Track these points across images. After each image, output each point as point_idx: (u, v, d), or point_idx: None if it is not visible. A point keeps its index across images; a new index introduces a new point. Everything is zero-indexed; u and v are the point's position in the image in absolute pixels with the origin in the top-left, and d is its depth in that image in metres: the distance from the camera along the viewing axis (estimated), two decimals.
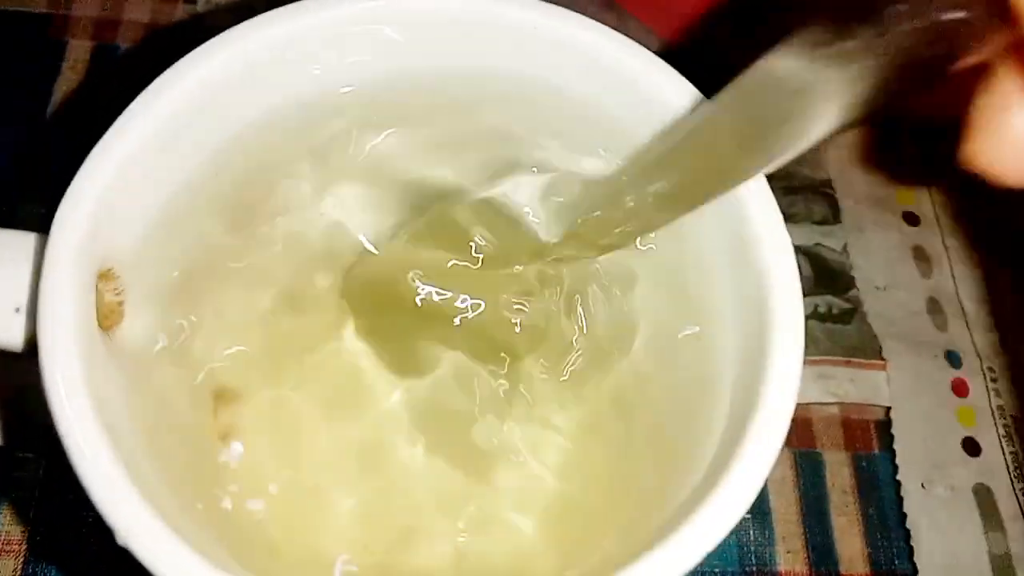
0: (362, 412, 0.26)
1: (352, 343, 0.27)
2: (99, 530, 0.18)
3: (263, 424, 0.25)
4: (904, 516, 0.35)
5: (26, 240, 0.21)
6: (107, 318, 0.22)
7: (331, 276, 0.27)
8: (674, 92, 0.24)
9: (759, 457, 0.19)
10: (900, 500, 0.35)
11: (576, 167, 0.26)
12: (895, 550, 0.35)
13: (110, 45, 0.42)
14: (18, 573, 0.31)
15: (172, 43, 0.31)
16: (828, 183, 0.42)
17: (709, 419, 0.22)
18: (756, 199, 0.22)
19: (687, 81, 0.24)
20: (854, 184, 0.42)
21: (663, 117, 0.24)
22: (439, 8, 0.25)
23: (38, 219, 0.21)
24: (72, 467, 0.18)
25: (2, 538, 0.31)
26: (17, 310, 0.20)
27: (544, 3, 0.24)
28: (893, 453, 0.36)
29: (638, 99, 0.24)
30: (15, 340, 0.20)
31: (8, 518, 0.32)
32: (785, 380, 0.20)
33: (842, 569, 0.35)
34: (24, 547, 0.31)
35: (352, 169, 0.27)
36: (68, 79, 0.40)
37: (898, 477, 0.36)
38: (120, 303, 0.23)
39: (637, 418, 0.25)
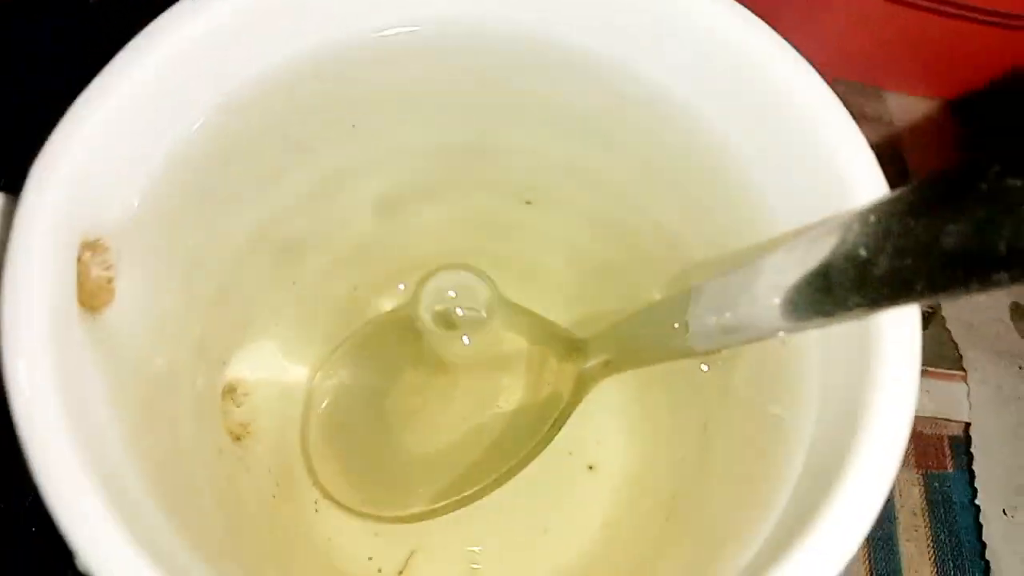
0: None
1: None
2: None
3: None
4: (983, 545, 0.31)
5: None
6: (94, 296, 0.19)
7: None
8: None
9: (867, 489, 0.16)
10: (979, 527, 0.32)
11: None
12: None
13: None
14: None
15: None
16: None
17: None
18: None
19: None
20: None
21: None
22: None
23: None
24: (32, 478, 0.15)
25: None
26: None
27: None
28: (971, 474, 0.33)
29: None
30: None
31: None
32: (897, 400, 0.16)
33: None
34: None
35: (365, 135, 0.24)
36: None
37: (977, 501, 0.32)
38: (110, 279, 0.19)
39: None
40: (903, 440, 0.16)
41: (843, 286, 0.15)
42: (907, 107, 0.39)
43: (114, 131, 0.18)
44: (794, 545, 0.16)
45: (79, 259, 0.18)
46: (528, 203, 0.26)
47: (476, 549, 0.26)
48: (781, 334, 0.17)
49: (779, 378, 0.20)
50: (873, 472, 0.16)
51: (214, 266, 0.23)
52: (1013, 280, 0.13)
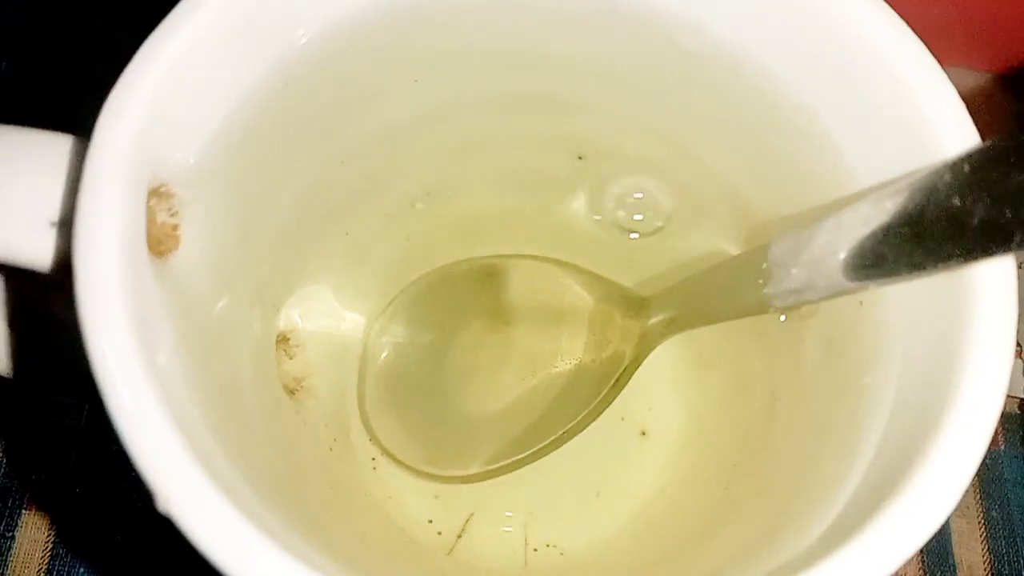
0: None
1: None
2: (140, 491, 0.15)
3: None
4: None
5: (62, 143, 0.17)
6: (160, 242, 0.19)
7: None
8: None
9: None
10: None
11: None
12: (1022, 558, 0.31)
13: None
14: (53, 533, 0.28)
15: None
16: None
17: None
18: None
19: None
20: None
21: None
22: None
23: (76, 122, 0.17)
24: (109, 416, 0.15)
25: (40, 489, 0.29)
26: (52, 224, 0.17)
27: None
28: None
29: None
30: (45, 259, 0.17)
31: (47, 469, 0.29)
32: (993, 362, 0.16)
33: None
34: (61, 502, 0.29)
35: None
36: None
37: None
38: (175, 226, 0.19)
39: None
40: (996, 410, 0.15)
41: (935, 237, 0.15)
42: (965, 81, 0.39)
43: (180, 78, 0.18)
44: (866, 526, 0.15)
45: (147, 205, 0.18)
46: (580, 159, 0.26)
47: (527, 513, 0.26)
48: (862, 291, 0.17)
49: (852, 338, 0.19)
50: (961, 450, 0.15)
51: (274, 214, 0.23)
52: None
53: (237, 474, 0.16)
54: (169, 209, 0.19)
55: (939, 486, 0.15)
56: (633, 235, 0.26)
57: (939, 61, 0.38)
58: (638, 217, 0.26)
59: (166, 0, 0.18)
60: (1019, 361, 0.33)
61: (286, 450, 0.22)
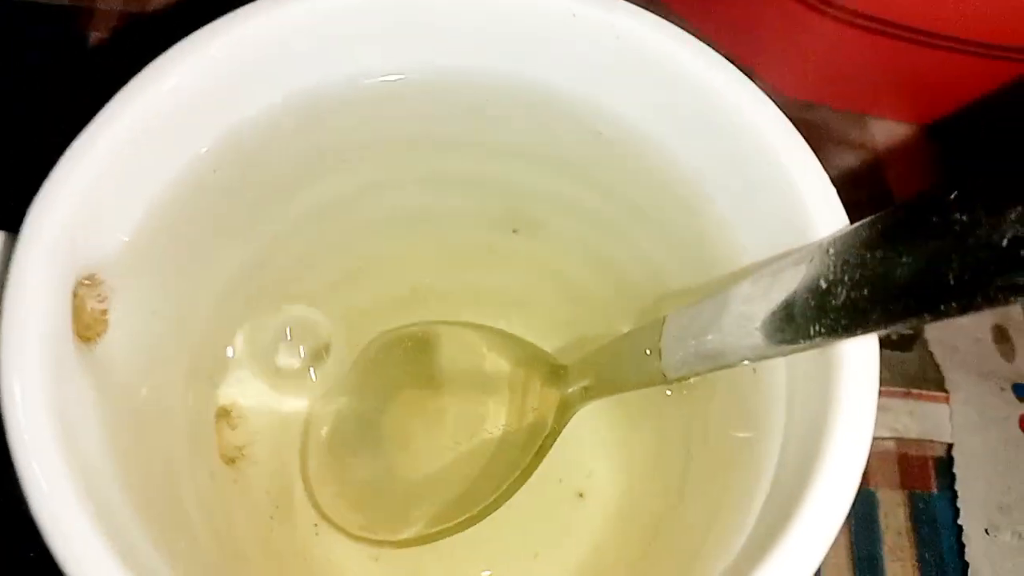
0: None
1: None
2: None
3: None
4: (966, 565, 0.32)
5: None
6: (88, 328, 0.20)
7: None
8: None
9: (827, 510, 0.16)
10: (961, 546, 0.32)
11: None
12: None
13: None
14: None
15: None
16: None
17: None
18: None
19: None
20: None
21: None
22: None
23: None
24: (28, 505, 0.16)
25: None
26: None
27: None
28: (954, 494, 0.33)
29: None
30: None
31: None
32: (857, 422, 0.17)
33: None
34: None
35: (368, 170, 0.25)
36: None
37: (959, 521, 0.32)
38: (104, 311, 0.20)
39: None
40: (862, 458, 0.17)
41: (805, 316, 0.16)
42: (891, 132, 0.40)
43: (107, 173, 0.19)
44: (763, 559, 0.16)
45: (75, 294, 0.19)
46: (515, 232, 0.27)
47: (470, 574, 0.26)
48: (747, 362, 0.18)
49: (749, 403, 0.20)
50: (835, 489, 0.16)
51: (205, 295, 0.23)
52: (963, 311, 0.14)
53: (166, 568, 0.17)
54: (99, 296, 0.20)
55: (820, 522, 0.16)
56: None
57: (871, 113, 0.39)
58: None
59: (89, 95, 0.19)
60: (946, 407, 0.34)
61: (223, 528, 0.22)
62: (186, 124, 0.20)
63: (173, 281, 0.22)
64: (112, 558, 0.15)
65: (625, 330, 0.23)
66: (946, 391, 0.35)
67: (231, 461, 0.26)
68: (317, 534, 0.27)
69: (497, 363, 0.26)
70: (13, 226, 0.18)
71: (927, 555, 0.33)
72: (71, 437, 0.17)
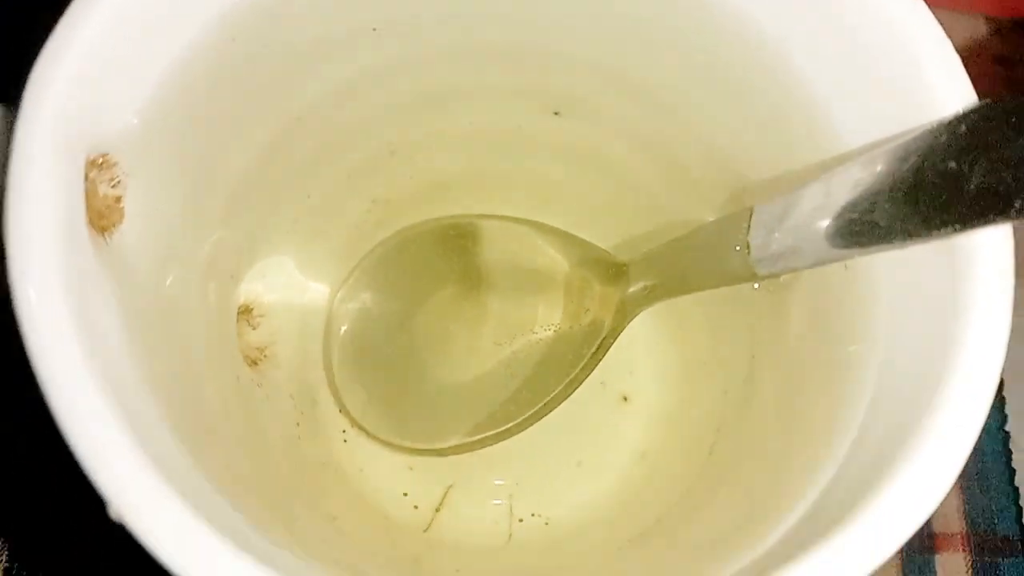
0: None
1: None
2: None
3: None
4: (1012, 472, 0.31)
5: None
6: (102, 216, 0.17)
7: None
8: None
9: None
10: (1008, 454, 0.31)
11: None
12: (998, 510, 0.31)
13: None
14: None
15: None
16: None
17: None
18: None
19: None
20: None
21: None
22: None
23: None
24: (52, 415, 0.14)
25: None
26: None
27: None
28: (1001, 400, 0.32)
29: None
30: None
31: None
32: (989, 336, 0.15)
33: (935, 527, 0.31)
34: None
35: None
36: None
37: (1006, 427, 0.31)
38: (119, 198, 0.18)
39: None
40: (998, 369, 0.15)
41: (930, 203, 0.14)
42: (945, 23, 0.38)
43: (113, 36, 0.16)
44: (858, 505, 0.14)
45: (86, 176, 0.17)
46: (556, 114, 0.25)
47: (510, 482, 0.25)
48: (852, 257, 0.16)
49: (839, 307, 0.18)
50: (958, 423, 0.14)
51: (225, 180, 0.21)
52: None
53: (194, 470, 0.15)
54: (111, 180, 0.18)
55: (936, 466, 0.14)
56: None
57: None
58: None
59: None
60: None
61: (248, 436, 0.21)
62: None
63: (191, 166, 0.20)
64: (147, 469, 0.14)
65: (683, 228, 0.21)
66: None
67: (253, 363, 0.24)
68: (346, 441, 0.25)
69: (546, 260, 0.24)
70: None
71: (969, 462, 0.31)
72: (93, 339, 0.15)
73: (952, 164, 0.14)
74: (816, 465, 0.17)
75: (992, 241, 0.15)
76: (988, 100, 0.15)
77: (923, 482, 0.14)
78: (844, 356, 0.18)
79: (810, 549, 0.14)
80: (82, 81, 0.16)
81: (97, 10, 0.16)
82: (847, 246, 0.16)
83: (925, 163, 0.14)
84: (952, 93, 0.16)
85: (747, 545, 0.17)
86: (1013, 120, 0.14)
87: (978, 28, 0.38)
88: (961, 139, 0.14)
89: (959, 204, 0.14)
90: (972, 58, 0.38)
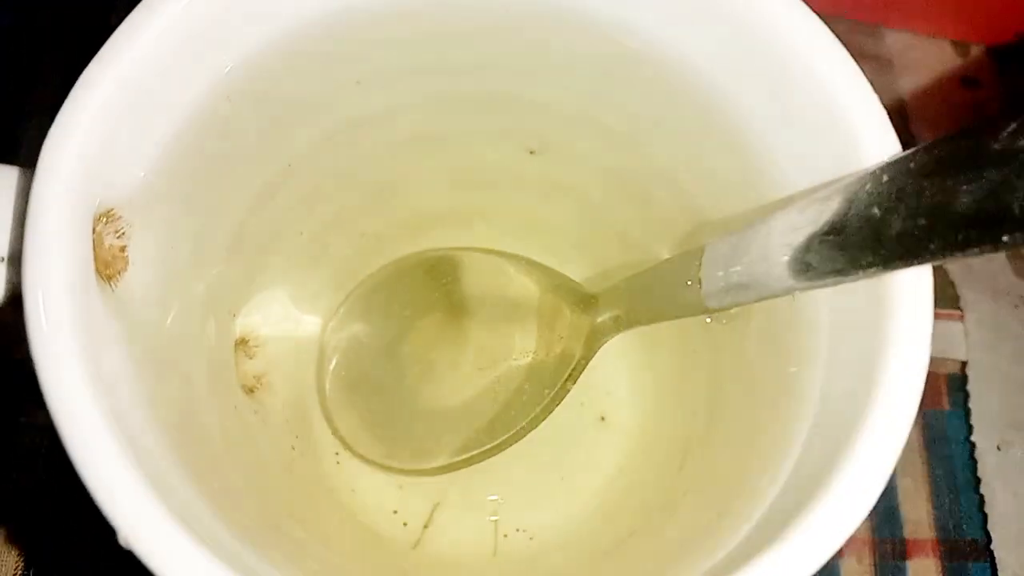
0: None
1: None
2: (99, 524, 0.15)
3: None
4: (977, 480, 0.32)
5: (7, 175, 0.18)
6: (108, 265, 0.19)
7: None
8: None
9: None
10: (973, 462, 0.33)
11: None
12: (965, 515, 0.32)
13: None
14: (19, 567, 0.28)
15: None
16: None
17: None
18: None
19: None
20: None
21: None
22: None
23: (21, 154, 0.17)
24: (64, 448, 0.15)
25: (7, 511, 0.29)
26: (1, 259, 0.17)
27: None
28: (966, 411, 0.33)
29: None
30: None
31: (16, 489, 0.29)
32: (912, 355, 0.16)
33: (906, 534, 0.32)
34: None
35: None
36: None
37: (972, 437, 0.33)
38: (123, 247, 0.19)
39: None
40: (917, 393, 0.16)
41: (856, 245, 0.16)
42: (908, 45, 0.39)
43: (122, 102, 0.18)
44: (807, 503, 0.16)
45: (93, 230, 0.18)
46: (532, 153, 0.26)
47: (495, 499, 0.26)
48: (792, 292, 0.18)
49: (787, 333, 0.20)
50: (887, 430, 0.16)
51: (222, 226, 0.23)
52: None
53: (196, 497, 0.17)
54: (116, 231, 0.19)
55: (871, 465, 0.16)
56: None
57: (889, 24, 0.37)
58: None
59: (93, 28, 0.18)
60: (960, 324, 0.34)
61: (246, 460, 0.22)
62: (198, 52, 0.19)
63: (190, 214, 0.21)
64: (152, 499, 0.15)
65: (652, 261, 0.23)
66: (960, 309, 0.35)
67: (250, 391, 0.25)
68: (338, 463, 0.27)
69: (523, 291, 0.26)
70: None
71: (938, 471, 0.33)
72: (101, 379, 0.16)
73: (875, 210, 0.15)
74: (769, 479, 0.18)
75: (914, 277, 0.17)
76: (908, 151, 0.16)
77: (848, 500, 0.16)
78: (790, 377, 0.19)
79: (757, 556, 0.16)
80: (90, 147, 0.17)
81: (103, 83, 0.18)
82: (787, 284, 0.17)
83: (851, 209, 0.16)
84: (878, 144, 0.18)
85: (711, 550, 0.18)
86: (927, 170, 0.15)
87: (945, 52, 0.39)
88: (883, 187, 0.15)
89: (881, 248, 0.15)
90: (940, 81, 0.40)
